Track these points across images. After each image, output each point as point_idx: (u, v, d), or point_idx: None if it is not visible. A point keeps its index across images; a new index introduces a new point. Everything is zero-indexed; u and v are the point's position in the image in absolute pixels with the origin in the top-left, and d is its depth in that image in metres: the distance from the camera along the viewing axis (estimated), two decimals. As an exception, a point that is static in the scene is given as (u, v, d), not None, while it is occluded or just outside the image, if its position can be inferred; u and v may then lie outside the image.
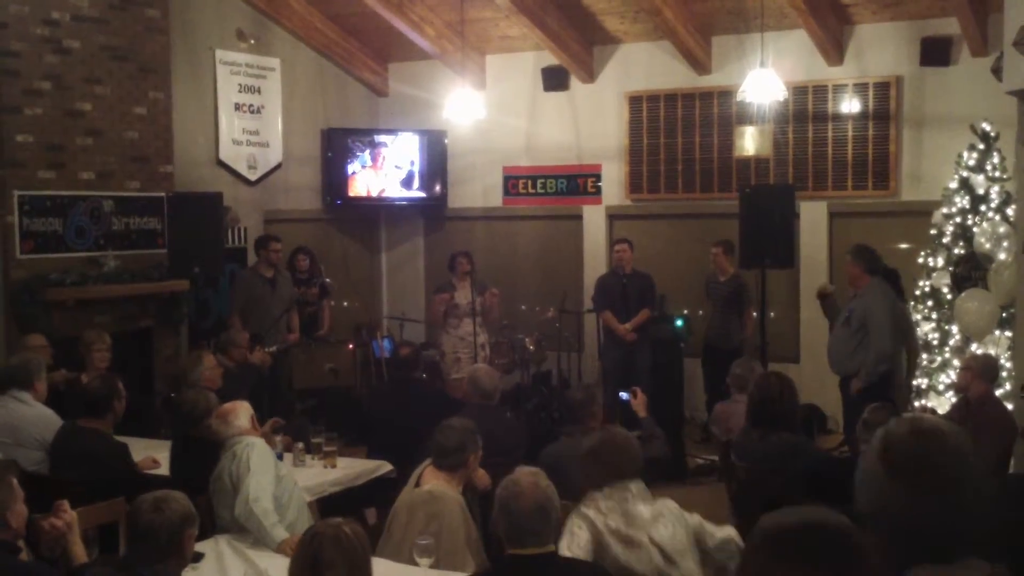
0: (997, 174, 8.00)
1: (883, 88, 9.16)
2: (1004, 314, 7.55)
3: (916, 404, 7.72)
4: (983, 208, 7.97)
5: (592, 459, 3.93)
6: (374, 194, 11.00)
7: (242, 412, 4.85)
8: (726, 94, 9.60)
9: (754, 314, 8.96)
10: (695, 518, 3.92)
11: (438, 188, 11.13)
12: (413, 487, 4.53)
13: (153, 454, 5.80)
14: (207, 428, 5.18)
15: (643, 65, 10.19)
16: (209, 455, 4.82)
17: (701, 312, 9.58)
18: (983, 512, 1.92)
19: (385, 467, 5.89)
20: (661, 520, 3.75)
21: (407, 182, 11.08)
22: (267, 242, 8.89)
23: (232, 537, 4.49)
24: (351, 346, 10.07)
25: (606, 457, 3.89)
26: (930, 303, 8.17)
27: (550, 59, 10.41)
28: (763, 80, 7.78)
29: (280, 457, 5.37)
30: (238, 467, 4.58)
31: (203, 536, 4.35)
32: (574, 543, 3.70)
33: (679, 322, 9.69)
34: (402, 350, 7.17)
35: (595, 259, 10.50)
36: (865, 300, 7.09)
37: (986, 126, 8.05)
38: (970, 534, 1.82)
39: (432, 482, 4.48)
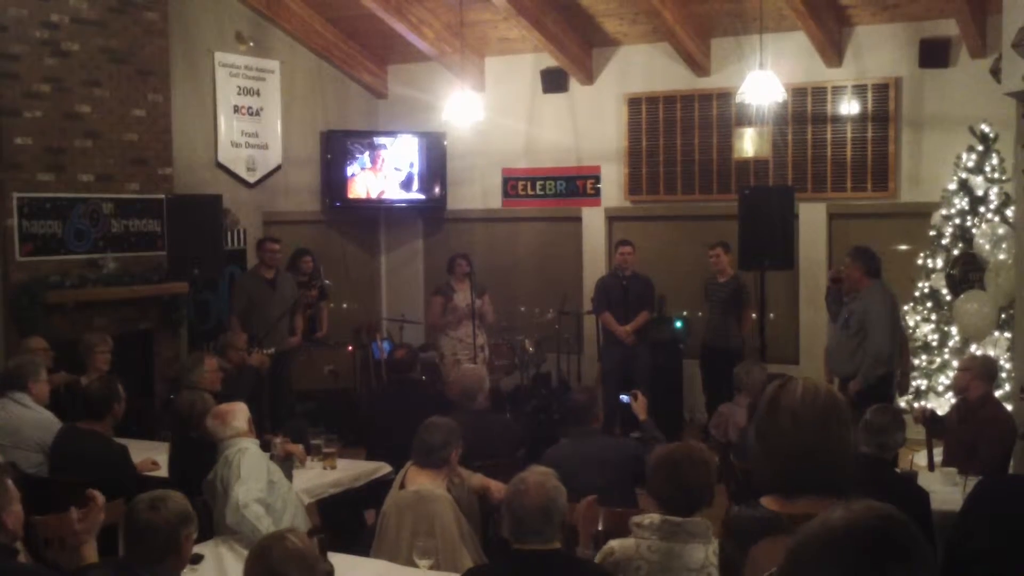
0: (996, 175, 8.01)
1: (882, 90, 9.16)
2: (1003, 315, 7.55)
3: (915, 405, 7.72)
4: (982, 209, 7.98)
5: (659, 471, 3.60)
6: (373, 196, 11.00)
7: (240, 414, 4.84)
8: (725, 96, 9.61)
9: (753, 315, 8.97)
10: None
11: (437, 190, 11.13)
12: (398, 489, 4.52)
13: (153, 456, 5.80)
14: (204, 429, 5.18)
15: (642, 67, 10.19)
16: (207, 456, 4.82)
17: (700, 314, 9.58)
18: (818, 470, 2.30)
19: (384, 468, 5.88)
20: (705, 571, 3.39)
21: (406, 184, 11.08)
22: (263, 243, 8.91)
23: (232, 539, 4.47)
24: (350, 348, 10.07)
25: (675, 474, 3.55)
26: (929, 304, 8.18)
27: (549, 61, 10.41)
28: (762, 82, 7.79)
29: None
30: (229, 473, 4.57)
31: (203, 538, 4.34)
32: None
33: (678, 324, 9.71)
34: (397, 353, 7.16)
35: (594, 261, 10.50)
36: (864, 303, 7.08)
37: (985, 127, 8.06)
38: (808, 483, 2.27)
39: (417, 482, 4.47)
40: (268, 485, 4.63)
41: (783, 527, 2.26)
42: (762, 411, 2.39)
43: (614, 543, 3.50)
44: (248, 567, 2.98)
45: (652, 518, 3.46)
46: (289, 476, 5.04)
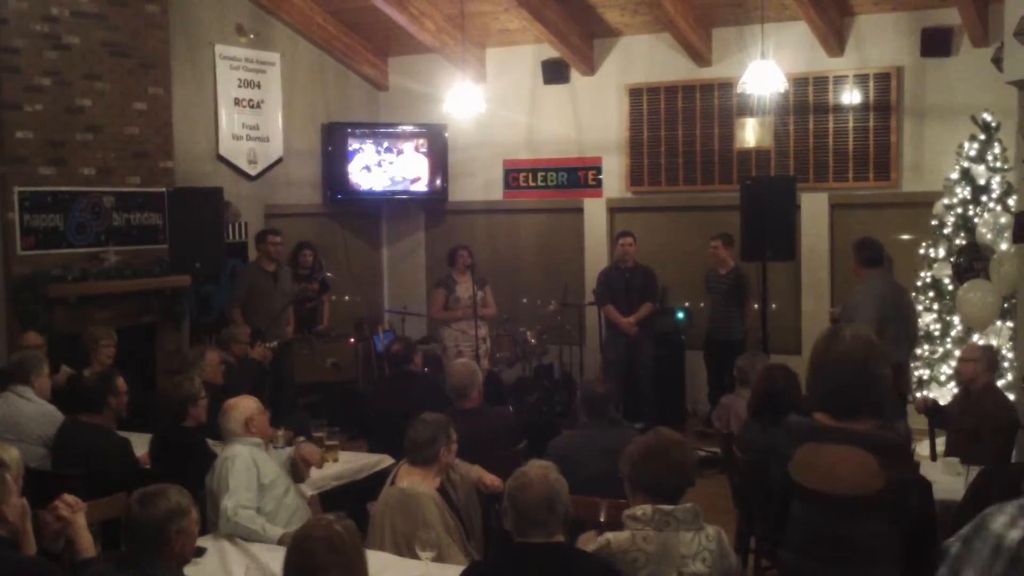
0: (998, 164, 7.99)
1: (884, 79, 9.14)
2: (1006, 304, 7.54)
3: (917, 395, 7.71)
4: (984, 199, 7.96)
5: (640, 461, 3.59)
6: (375, 188, 10.99)
7: (234, 413, 4.74)
8: (726, 86, 9.59)
9: (755, 306, 8.96)
10: (734, 559, 3.57)
11: (439, 182, 11.12)
12: (389, 485, 4.51)
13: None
14: (194, 417, 5.17)
15: (643, 57, 10.17)
16: (193, 445, 4.77)
17: (703, 305, 9.58)
18: (860, 397, 3.23)
19: (386, 461, 5.87)
20: (699, 557, 3.39)
21: (408, 176, 11.07)
22: (265, 236, 8.90)
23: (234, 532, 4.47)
24: (352, 340, 10.07)
25: (655, 463, 3.54)
26: (931, 294, 8.17)
27: (550, 52, 10.39)
28: (763, 72, 7.75)
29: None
30: (218, 484, 4.55)
31: (206, 531, 4.35)
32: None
33: (680, 315, 9.71)
34: (393, 346, 7.14)
35: (596, 252, 10.49)
36: (856, 296, 7.02)
37: (987, 116, 8.04)
38: (852, 406, 3.24)
39: (407, 479, 4.46)
40: (259, 490, 4.56)
41: (826, 436, 3.25)
42: (817, 350, 3.30)
43: (609, 535, 3.50)
44: (289, 556, 2.97)
45: (644, 509, 3.46)
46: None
